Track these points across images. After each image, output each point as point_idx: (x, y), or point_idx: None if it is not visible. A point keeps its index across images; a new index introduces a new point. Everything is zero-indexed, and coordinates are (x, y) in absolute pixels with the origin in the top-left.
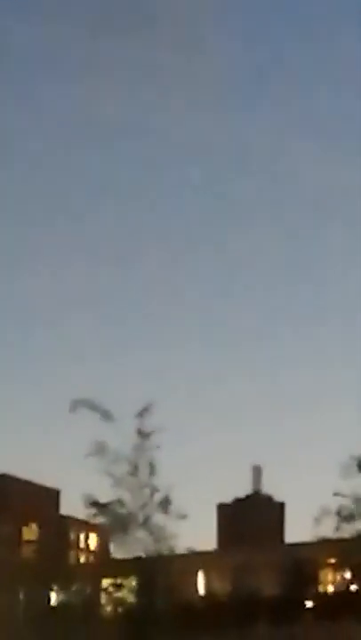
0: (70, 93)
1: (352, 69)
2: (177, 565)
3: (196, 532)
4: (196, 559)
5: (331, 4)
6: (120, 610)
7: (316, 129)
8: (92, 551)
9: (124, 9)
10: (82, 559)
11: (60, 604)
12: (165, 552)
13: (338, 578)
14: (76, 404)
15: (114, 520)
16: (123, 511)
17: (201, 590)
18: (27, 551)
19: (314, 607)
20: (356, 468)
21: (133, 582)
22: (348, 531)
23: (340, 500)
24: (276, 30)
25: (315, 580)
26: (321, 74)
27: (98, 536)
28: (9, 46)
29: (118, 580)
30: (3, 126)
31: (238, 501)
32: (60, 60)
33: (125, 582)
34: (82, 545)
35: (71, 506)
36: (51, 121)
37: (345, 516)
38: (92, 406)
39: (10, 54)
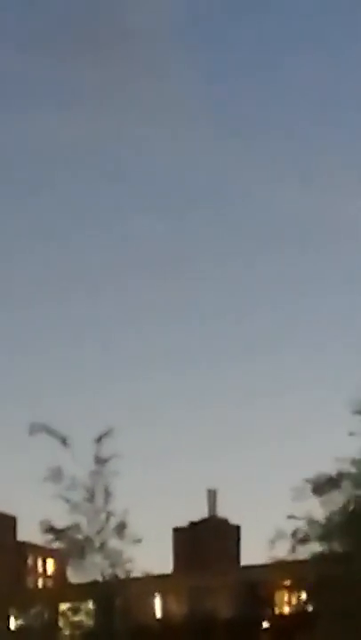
0: (40, 121)
1: (310, 95)
2: (134, 589)
3: (153, 556)
4: (153, 582)
5: (287, 33)
6: (78, 633)
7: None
8: (50, 576)
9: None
10: (40, 584)
11: (19, 628)
12: (122, 576)
13: (293, 599)
14: (34, 429)
15: (71, 545)
16: (79, 536)
17: (158, 613)
18: None
19: (270, 628)
20: (310, 491)
21: (91, 606)
22: (302, 553)
23: (294, 523)
24: (243, 62)
25: (270, 602)
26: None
27: (55, 561)
28: None
29: (76, 604)
30: None
31: (194, 525)
32: (27, 88)
33: (83, 606)
34: (39, 570)
35: (28, 531)
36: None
37: (299, 539)
38: (50, 431)
39: None
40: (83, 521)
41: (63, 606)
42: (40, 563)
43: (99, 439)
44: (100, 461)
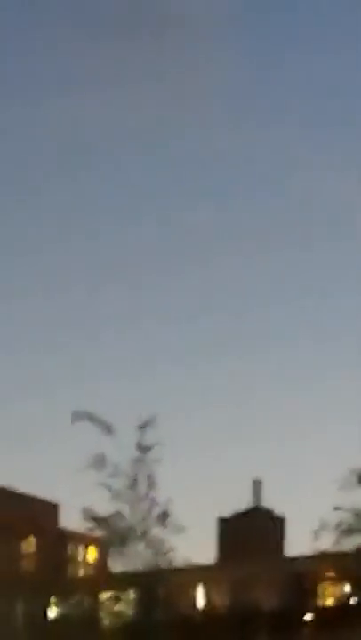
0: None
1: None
2: (176, 579)
3: (196, 546)
4: (196, 572)
5: (329, 14)
6: (118, 623)
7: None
8: (91, 564)
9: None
10: (80, 572)
11: (59, 617)
12: (164, 565)
13: (337, 591)
14: (77, 416)
15: (112, 533)
16: (121, 524)
17: (200, 603)
18: (26, 564)
19: (313, 620)
20: (355, 482)
21: (132, 595)
22: (347, 544)
23: (339, 514)
24: (278, 42)
25: (314, 594)
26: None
27: (96, 549)
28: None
29: (117, 594)
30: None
31: (238, 515)
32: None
33: (124, 595)
34: (80, 558)
35: (70, 519)
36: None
37: (344, 530)
38: (93, 419)
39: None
40: (125, 509)
41: (104, 595)
42: (81, 551)
43: (142, 426)
44: (143, 449)
